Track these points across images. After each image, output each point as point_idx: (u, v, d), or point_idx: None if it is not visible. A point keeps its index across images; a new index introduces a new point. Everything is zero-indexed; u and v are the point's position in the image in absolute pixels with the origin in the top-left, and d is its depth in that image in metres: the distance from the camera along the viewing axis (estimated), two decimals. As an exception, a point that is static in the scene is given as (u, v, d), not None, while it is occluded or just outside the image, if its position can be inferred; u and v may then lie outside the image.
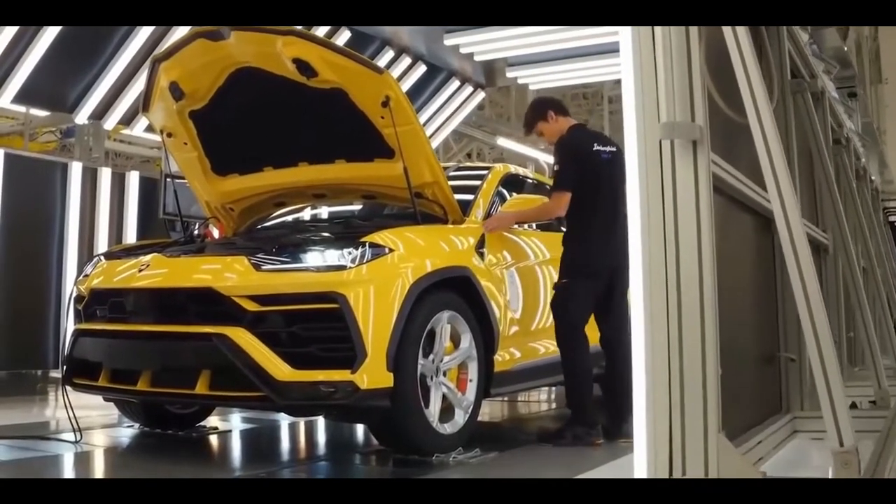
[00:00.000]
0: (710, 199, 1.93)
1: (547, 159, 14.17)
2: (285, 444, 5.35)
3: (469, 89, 12.48)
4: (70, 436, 4.59)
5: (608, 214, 4.87)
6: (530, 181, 6.00)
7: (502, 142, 14.62)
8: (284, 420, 5.70)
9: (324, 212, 5.99)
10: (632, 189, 1.97)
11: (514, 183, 5.66)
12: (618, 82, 21.23)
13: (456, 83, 12.20)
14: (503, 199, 5.30)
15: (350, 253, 4.00)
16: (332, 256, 4.02)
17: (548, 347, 5.19)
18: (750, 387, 2.98)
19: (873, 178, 8.77)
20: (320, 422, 5.70)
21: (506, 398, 7.12)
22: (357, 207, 5.82)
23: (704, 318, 1.88)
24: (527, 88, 16.93)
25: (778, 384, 3.40)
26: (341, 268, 3.96)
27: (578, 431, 4.76)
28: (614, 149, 5.04)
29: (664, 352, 1.94)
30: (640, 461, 2.01)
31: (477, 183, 5.33)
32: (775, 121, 2.18)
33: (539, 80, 12.25)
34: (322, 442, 5.37)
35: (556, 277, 5.18)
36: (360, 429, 5.37)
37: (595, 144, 5.03)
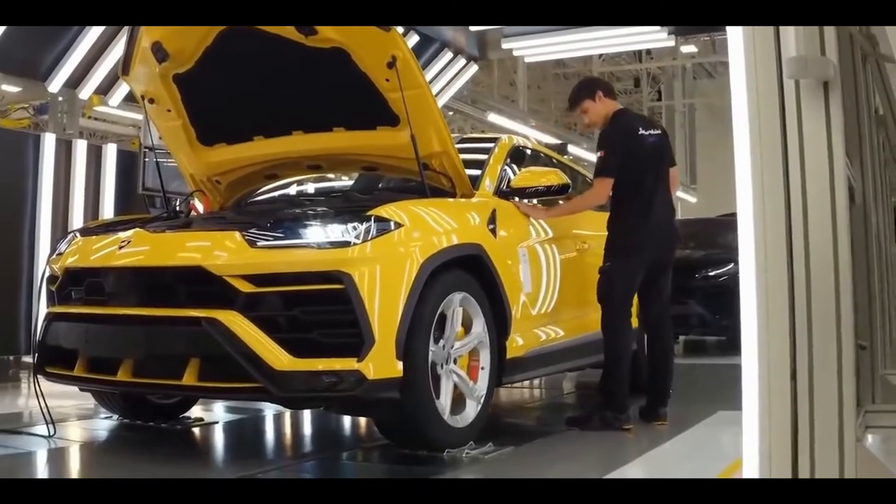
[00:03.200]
0: (844, 157, 1.54)
1: (539, 137, 13.82)
2: (276, 436, 4.97)
3: (462, 62, 12.09)
4: (43, 429, 4.23)
5: (648, 197, 4.80)
6: (530, 153, 5.60)
7: (493, 118, 14.25)
8: (270, 409, 5.32)
9: (310, 188, 5.58)
10: (740, 144, 1.58)
11: (517, 157, 5.31)
12: (606, 59, 20.95)
13: (449, 55, 11.82)
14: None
15: (355, 228, 3.64)
16: (336, 232, 3.65)
17: (560, 332, 4.94)
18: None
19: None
20: (307, 411, 5.29)
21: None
22: (347, 182, 5.44)
23: (840, 307, 1.50)
24: (515, 63, 16.65)
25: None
26: (345, 244, 3.60)
27: (608, 416, 4.66)
28: (659, 132, 5.00)
29: (784, 342, 1.57)
30: (752, 460, 1.68)
31: (482, 157, 4.97)
32: None
33: (535, 52, 11.92)
34: (315, 434, 5.00)
35: (558, 257, 5.04)
36: (347, 419, 5.00)
37: (640, 129, 4.91)
